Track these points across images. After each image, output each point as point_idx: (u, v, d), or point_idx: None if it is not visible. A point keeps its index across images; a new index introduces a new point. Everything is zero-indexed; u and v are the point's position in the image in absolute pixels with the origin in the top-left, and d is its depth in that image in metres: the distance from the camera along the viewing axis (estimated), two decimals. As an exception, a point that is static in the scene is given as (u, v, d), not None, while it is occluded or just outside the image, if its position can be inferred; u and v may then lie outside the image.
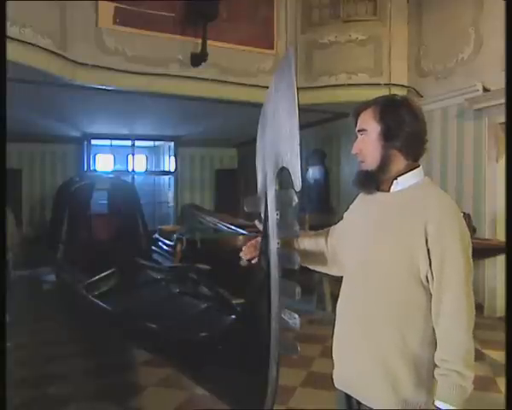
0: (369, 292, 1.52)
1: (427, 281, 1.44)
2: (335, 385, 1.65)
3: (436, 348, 1.43)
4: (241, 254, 1.76)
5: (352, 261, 1.63)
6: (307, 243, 1.83)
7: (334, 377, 1.65)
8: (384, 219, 1.55)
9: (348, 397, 1.60)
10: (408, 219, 1.47)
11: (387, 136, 1.51)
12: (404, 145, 1.52)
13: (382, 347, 1.48)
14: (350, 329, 1.58)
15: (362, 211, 1.66)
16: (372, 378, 1.50)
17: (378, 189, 1.59)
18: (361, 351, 1.53)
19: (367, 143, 1.55)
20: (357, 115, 1.59)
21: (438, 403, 1.39)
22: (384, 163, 1.53)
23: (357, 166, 1.61)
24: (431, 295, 1.44)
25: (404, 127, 1.50)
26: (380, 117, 1.52)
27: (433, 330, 1.44)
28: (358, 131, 1.57)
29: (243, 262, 1.78)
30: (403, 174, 1.53)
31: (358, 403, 1.57)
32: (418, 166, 1.56)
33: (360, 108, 1.59)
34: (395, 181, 1.54)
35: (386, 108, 1.53)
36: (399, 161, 1.53)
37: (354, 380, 1.57)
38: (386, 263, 1.49)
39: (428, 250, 1.41)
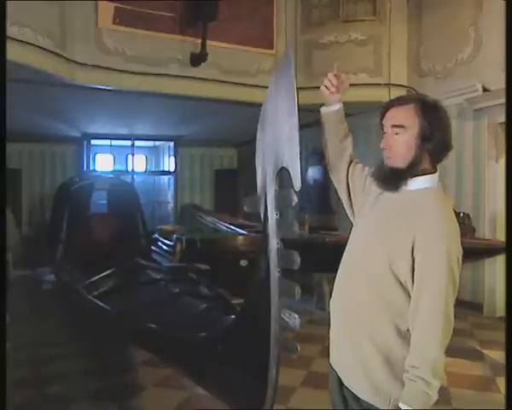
0: (353, 284, 1.56)
1: (407, 283, 1.45)
2: (330, 362, 1.69)
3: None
4: None
5: (348, 249, 1.66)
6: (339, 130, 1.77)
7: (330, 355, 1.69)
8: (384, 215, 1.56)
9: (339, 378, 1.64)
10: (400, 224, 1.48)
11: (424, 136, 1.48)
12: (434, 149, 1.49)
13: (358, 338, 1.52)
14: (336, 316, 1.63)
15: (377, 196, 1.61)
16: (349, 365, 1.56)
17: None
18: (341, 338, 1.60)
19: (401, 140, 1.49)
20: (391, 109, 1.53)
21: (401, 405, 1.40)
22: (414, 163, 1.49)
23: (381, 161, 1.56)
24: (409, 295, 1.46)
25: (440, 131, 1.48)
26: (423, 116, 1.48)
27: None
28: (394, 126, 1.51)
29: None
30: (416, 176, 1.51)
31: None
32: (435, 171, 1.53)
33: (399, 101, 1.54)
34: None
35: (428, 108, 1.49)
36: (426, 164, 1.51)
37: (337, 364, 1.63)
38: (372, 259, 1.52)
39: (413, 260, 1.42)
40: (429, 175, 1.51)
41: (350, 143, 1.77)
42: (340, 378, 1.62)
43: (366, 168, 1.72)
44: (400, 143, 1.50)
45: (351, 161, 1.75)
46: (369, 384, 1.50)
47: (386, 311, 1.48)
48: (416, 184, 1.51)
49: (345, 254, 1.66)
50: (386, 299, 1.48)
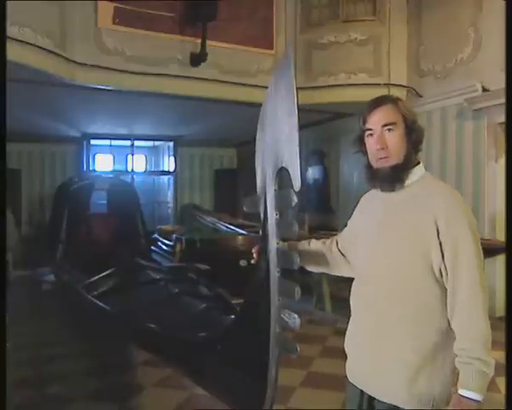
0: (382, 291, 1.54)
1: (441, 274, 1.46)
2: (348, 378, 1.66)
3: (449, 339, 1.45)
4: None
5: (362, 261, 1.65)
6: (312, 247, 1.88)
7: (346, 370, 1.67)
8: (390, 216, 1.57)
9: (361, 391, 1.60)
10: (416, 216, 1.49)
11: (410, 130, 1.56)
12: (416, 140, 1.57)
13: (397, 343, 1.49)
14: (363, 326, 1.60)
15: (368, 211, 1.68)
16: (387, 374, 1.50)
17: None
18: (375, 348, 1.54)
19: (395, 137, 1.54)
20: (376, 109, 1.56)
21: (462, 392, 1.39)
22: (409, 156, 1.56)
23: (373, 164, 1.59)
24: (445, 288, 1.46)
25: (417, 123, 1.58)
26: (406, 111, 1.56)
27: (448, 322, 1.46)
28: (385, 125, 1.54)
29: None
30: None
31: (370, 398, 1.57)
32: (419, 162, 1.60)
33: (382, 101, 1.58)
34: None
35: (403, 104, 1.59)
36: (413, 157, 1.58)
37: (368, 376, 1.57)
38: (397, 260, 1.51)
39: (440, 243, 1.44)
40: (418, 166, 1.58)
41: (325, 247, 1.87)
42: (362, 395, 1.58)
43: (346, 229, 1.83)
44: (395, 138, 1.55)
45: (337, 244, 1.85)
46: (412, 391, 1.46)
47: (425, 310, 1.48)
48: (413, 176, 1.56)
49: (361, 265, 1.65)
50: (424, 298, 1.47)
